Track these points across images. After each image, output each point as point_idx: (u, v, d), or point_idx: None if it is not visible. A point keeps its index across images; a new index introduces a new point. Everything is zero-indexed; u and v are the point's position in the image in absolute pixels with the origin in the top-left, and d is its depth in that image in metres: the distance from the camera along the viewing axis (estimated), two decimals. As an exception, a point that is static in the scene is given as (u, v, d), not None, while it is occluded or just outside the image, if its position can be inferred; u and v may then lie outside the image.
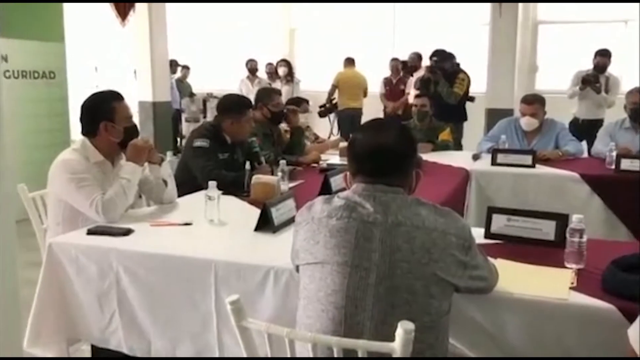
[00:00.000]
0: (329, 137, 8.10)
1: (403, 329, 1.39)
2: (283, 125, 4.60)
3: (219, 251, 2.21)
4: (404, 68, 8.32)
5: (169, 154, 4.40)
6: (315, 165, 4.27)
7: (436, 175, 3.70)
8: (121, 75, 9.80)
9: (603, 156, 4.31)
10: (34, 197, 2.91)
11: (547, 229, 2.27)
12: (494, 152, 4.33)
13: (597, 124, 5.98)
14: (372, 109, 8.27)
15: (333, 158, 4.57)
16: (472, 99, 7.13)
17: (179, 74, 10.07)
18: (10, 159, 1.90)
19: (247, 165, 3.39)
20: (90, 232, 2.40)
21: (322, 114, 9.15)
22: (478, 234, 2.14)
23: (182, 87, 10.07)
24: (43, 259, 2.36)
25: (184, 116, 10.08)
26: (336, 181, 3.07)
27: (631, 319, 1.57)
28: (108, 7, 7.03)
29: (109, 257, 2.25)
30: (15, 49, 5.74)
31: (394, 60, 8.50)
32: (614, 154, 4.14)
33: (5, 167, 1.82)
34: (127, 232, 2.41)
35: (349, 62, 8.98)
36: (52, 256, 2.31)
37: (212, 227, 2.56)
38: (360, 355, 1.44)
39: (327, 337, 1.51)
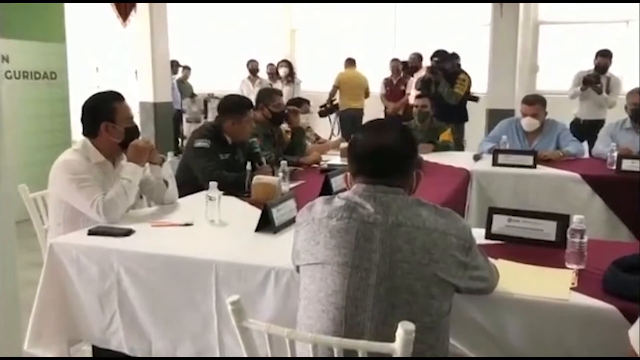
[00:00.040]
0: (329, 138, 8.12)
1: (403, 330, 1.39)
2: (284, 126, 4.60)
3: (219, 252, 2.21)
4: (404, 68, 8.33)
5: (170, 154, 4.41)
6: (316, 165, 4.27)
7: (437, 176, 3.70)
8: (122, 75, 9.79)
9: (604, 157, 4.31)
10: (35, 198, 2.91)
11: (548, 230, 2.27)
12: (495, 152, 4.33)
13: (598, 124, 5.97)
14: (373, 109, 8.28)
15: (334, 158, 4.57)
16: (476, 99, 7.13)
17: (180, 74, 10.08)
18: (10, 159, 1.90)
19: (248, 166, 3.39)
20: (91, 233, 2.41)
21: (322, 113, 9.15)
22: (479, 234, 2.14)
23: (183, 88, 10.08)
24: (44, 260, 2.36)
25: (185, 117, 10.08)
26: (337, 182, 3.06)
27: (632, 320, 1.57)
28: (109, 8, 7.03)
29: (109, 258, 2.25)
30: (17, 49, 5.75)
31: (395, 60, 8.51)
32: (615, 154, 4.14)
33: (5, 168, 1.82)
34: (128, 232, 2.41)
35: (350, 62, 8.98)
36: (53, 257, 2.31)
37: (213, 227, 2.56)
38: (360, 355, 1.44)
39: (328, 337, 1.51)
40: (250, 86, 9.42)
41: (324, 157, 4.53)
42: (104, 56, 10.81)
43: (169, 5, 7.95)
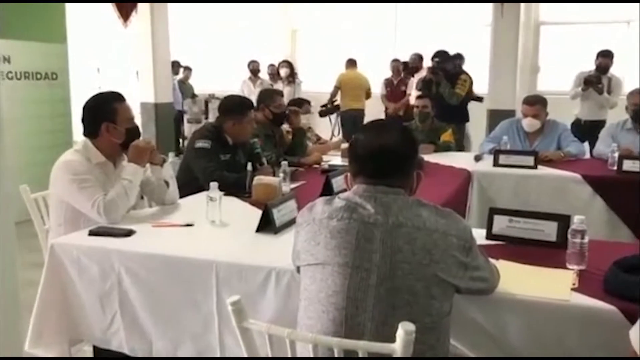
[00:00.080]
0: (330, 138, 8.13)
1: (404, 330, 1.39)
2: (285, 126, 4.61)
3: (220, 252, 2.21)
4: (404, 69, 8.33)
5: (171, 155, 4.43)
6: (316, 166, 4.27)
7: (438, 176, 3.70)
8: (123, 76, 9.80)
9: (605, 157, 4.31)
10: (36, 198, 2.91)
11: (548, 230, 2.27)
12: (496, 153, 4.32)
13: (599, 125, 5.97)
14: (374, 110, 8.28)
15: (335, 159, 4.57)
16: (480, 99, 7.13)
17: (181, 75, 10.08)
18: (11, 159, 1.90)
19: (249, 167, 3.39)
20: (92, 233, 2.41)
21: (322, 113, 9.16)
22: (480, 235, 2.14)
23: (184, 88, 10.08)
24: (45, 260, 2.36)
25: (185, 117, 10.09)
26: (338, 182, 3.06)
27: (633, 320, 1.57)
28: (110, 8, 7.04)
29: (110, 258, 2.25)
30: (18, 50, 5.75)
31: (395, 61, 8.51)
32: (616, 155, 4.14)
33: (5, 168, 1.82)
34: (128, 233, 2.41)
35: (351, 63, 8.99)
36: (54, 257, 2.32)
37: (214, 228, 2.56)
38: (360, 356, 1.44)
39: (328, 338, 1.51)
40: (251, 87, 9.42)
41: (324, 157, 4.53)
42: (105, 57, 10.83)
43: (170, 5, 7.95)
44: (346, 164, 1.89)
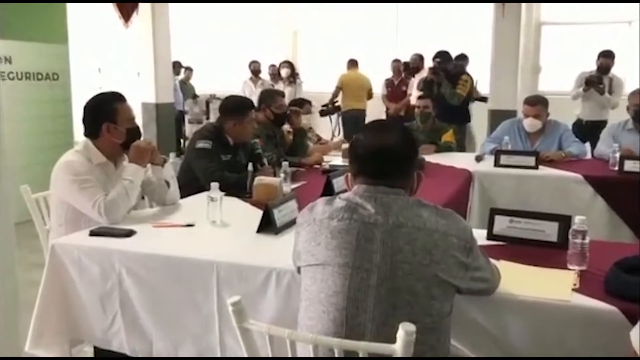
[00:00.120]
0: (331, 139, 8.12)
1: (404, 331, 1.39)
2: (286, 127, 4.61)
3: (221, 252, 2.21)
4: (405, 69, 8.33)
5: (172, 155, 4.43)
6: (317, 166, 4.27)
7: (439, 177, 3.70)
8: (124, 76, 9.80)
9: (606, 157, 4.30)
10: (37, 199, 2.91)
11: (549, 231, 2.27)
12: (497, 153, 4.32)
13: (600, 125, 5.95)
14: (376, 110, 8.29)
15: (335, 159, 4.56)
16: (484, 99, 7.12)
17: (182, 75, 10.08)
18: (11, 160, 1.90)
19: (250, 167, 3.39)
20: (93, 234, 2.41)
21: (323, 113, 9.15)
22: (480, 235, 2.14)
23: (185, 89, 10.09)
24: (46, 260, 2.36)
25: (186, 117, 10.09)
26: (338, 182, 3.06)
27: (634, 321, 1.57)
28: (111, 9, 7.05)
29: (111, 259, 2.25)
30: (19, 50, 5.76)
31: (396, 61, 8.51)
32: (617, 155, 4.13)
33: (5, 168, 1.83)
34: (129, 233, 2.41)
35: (352, 63, 8.99)
36: (54, 257, 2.32)
37: (215, 228, 2.56)
38: (361, 356, 1.44)
39: (328, 338, 1.51)
40: (253, 87, 9.42)
41: (325, 157, 4.53)
42: (106, 57, 10.83)
43: (171, 6, 7.95)
44: (347, 164, 1.89)
